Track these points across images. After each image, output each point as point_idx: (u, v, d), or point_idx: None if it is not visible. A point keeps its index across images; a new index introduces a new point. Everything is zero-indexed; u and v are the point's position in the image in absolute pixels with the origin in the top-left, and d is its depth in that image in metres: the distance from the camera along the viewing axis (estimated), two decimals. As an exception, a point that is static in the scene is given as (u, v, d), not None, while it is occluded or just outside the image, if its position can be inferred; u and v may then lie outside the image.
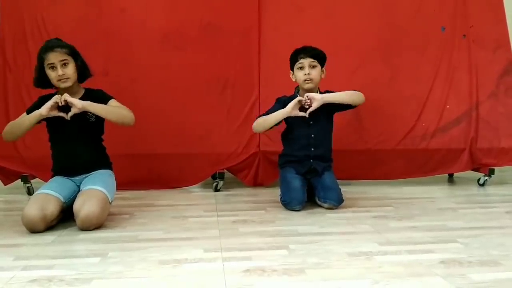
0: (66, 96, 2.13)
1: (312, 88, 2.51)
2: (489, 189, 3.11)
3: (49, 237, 1.98)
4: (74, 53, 2.23)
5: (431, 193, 2.96)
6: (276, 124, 2.52)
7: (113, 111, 2.24)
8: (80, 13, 2.91)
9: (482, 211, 2.49)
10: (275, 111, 2.50)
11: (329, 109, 2.51)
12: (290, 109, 2.42)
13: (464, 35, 3.23)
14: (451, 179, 3.49)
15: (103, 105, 2.23)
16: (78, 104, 2.13)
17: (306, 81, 2.49)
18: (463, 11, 3.22)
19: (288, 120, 2.56)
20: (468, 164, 3.20)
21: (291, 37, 3.04)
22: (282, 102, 2.54)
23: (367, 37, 3.14)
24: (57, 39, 2.27)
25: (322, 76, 2.55)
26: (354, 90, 2.52)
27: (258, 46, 3.07)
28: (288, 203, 2.46)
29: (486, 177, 3.19)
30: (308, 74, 2.47)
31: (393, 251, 1.81)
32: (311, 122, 2.53)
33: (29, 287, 1.46)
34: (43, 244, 1.89)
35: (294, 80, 2.59)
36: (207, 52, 3.02)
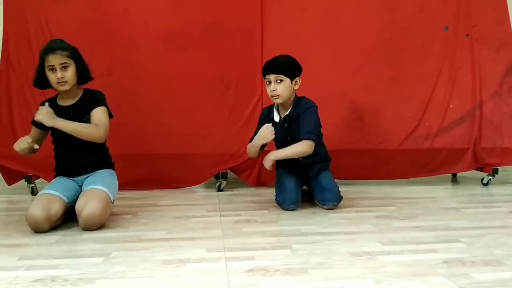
0: (38, 117, 2.14)
1: (281, 102, 2.46)
2: (492, 189, 3.10)
3: (52, 237, 1.99)
4: (75, 56, 2.21)
5: (434, 192, 2.95)
6: (262, 148, 2.53)
7: (80, 132, 2.16)
8: (84, 13, 2.92)
9: (485, 210, 2.49)
10: (258, 128, 2.51)
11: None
12: (258, 137, 2.45)
13: (467, 35, 3.22)
14: (454, 179, 3.48)
15: (71, 126, 2.15)
16: (49, 123, 2.14)
17: (274, 97, 2.43)
18: (466, 10, 3.21)
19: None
20: (472, 163, 3.20)
21: (293, 37, 3.05)
22: (262, 118, 2.57)
23: (369, 37, 3.14)
24: (60, 40, 2.25)
25: (295, 87, 2.46)
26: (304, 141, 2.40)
27: (261, 46, 3.07)
28: (282, 203, 2.46)
29: (490, 177, 3.18)
30: (274, 90, 2.40)
31: (396, 251, 1.80)
32: (288, 138, 2.48)
33: (33, 287, 1.47)
34: (47, 244, 1.89)
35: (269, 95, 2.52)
36: (209, 52, 3.02)
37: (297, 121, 2.45)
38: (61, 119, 2.15)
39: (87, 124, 2.21)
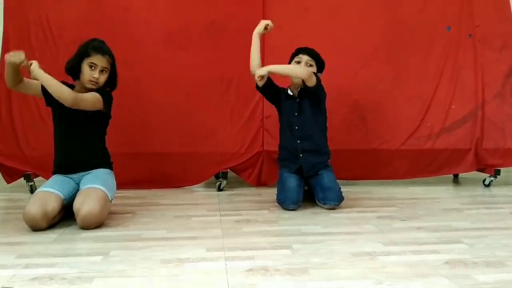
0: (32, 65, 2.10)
1: (298, 82, 2.54)
2: (494, 190, 3.09)
3: (51, 235, 1.98)
4: (114, 65, 2.31)
5: (436, 193, 2.94)
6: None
7: (54, 84, 2.11)
8: (84, 12, 2.91)
9: (487, 211, 2.48)
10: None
11: (312, 101, 2.54)
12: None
13: (470, 35, 3.21)
14: (456, 180, 3.47)
15: (50, 78, 2.11)
16: (33, 71, 2.09)
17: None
18: (468, 10, 3.20)
19: (280, 109, 2.64)
20: (474, 164, 3.19)
21: (295, 36, 3.03)
22: (279, 88, 2.65)
23: (371, 37, 3.13)
24: (104, 42, 2.30)
25: None
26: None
27: (263, 46, 3.05)
28: (283, 202, 2.46)
29: (492, 178, 3.17)
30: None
31: (398, 251, 1.79)
32: (295, 114, 2.56)
33: (31, 285, 1.46)
34: (45, 242, 1.88)
35: None
36: (211, 52, 3.01)
37: (306, 96, 2.55)
38: (43, 74, 2.10)
39: (62, 84, 2.17)
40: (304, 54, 2.56)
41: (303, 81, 2.47)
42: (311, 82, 2.43)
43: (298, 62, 2.55)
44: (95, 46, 2.24)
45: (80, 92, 2.23)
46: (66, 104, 2.13)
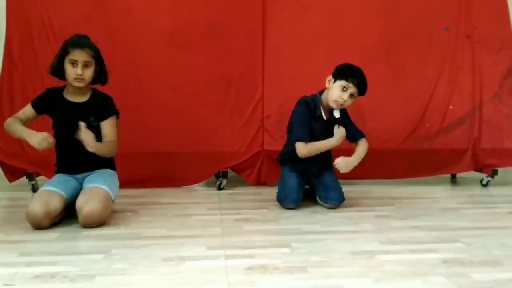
0: (83, 136, 2.13)
1: (336, 108, 2.48)
2: (492, 190, 3.11)
3: (53, 233, 1.99)
4: (98, 58, 2.23)
5: (434, 193, 2.96)
6: None
7: (107, 152, 2.25)
8: (86, 12, 2.92)
9: (485, 211, 2.49)
10: (304, 116, 2.48)
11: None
12: (338, 142, 2.46)
13: (468, 36, 3.22)
14: (454, 180, 3.48)
15: (103, 148, 2.22)
16: (89, 147, 2.14)
17: (338, 102, 2.43)
18: (467, 11, 3.21)
19: (311, 127, 2.50)
20: (471, 164, 3.20)
21: (295, 36, 3.05)
22: (305, 108, 2.49)
23: (370, 37, 3.14)
24: (86, 36, 2.25)
25: None
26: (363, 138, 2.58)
27: (262, 46, 3.07)
28: (283, 201, 2.47)
29: (489, 178, 3.18)
30: (345, 101, 2.42)
31: (396, 250, 1.81)
32: (325, 135, 2.50)
33: (33, 283, 1.47)
34: (47, 240, 1.90)
35: (327, 86, 2.50)
36: (211, 52, 3.02)
37: (337, 122, 2.52)
38: (97, 147, 2.17)
39: (108, 143, 2.25)
40: (353, 86, 2.39)
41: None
42: None
43: (344, 90, 2.40)
44: (73, 42, 2.16)
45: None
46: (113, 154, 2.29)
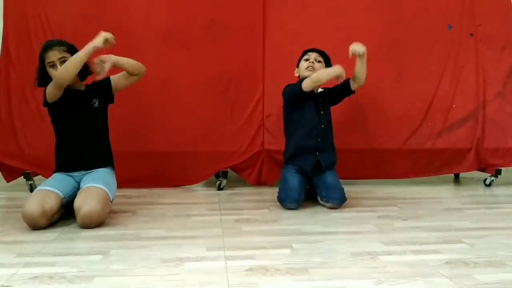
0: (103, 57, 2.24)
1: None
2: (495, 190, 3.08)
3: (51, 234, 1.97)
4: (72, 51, 2.24)
5: (437, 193, 2.93)
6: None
7: (135, 65, 2.39)
8: (84, 10, 2.90)
9: (488, 211, 2.47)
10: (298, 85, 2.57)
11: (331, 100, 2.68)
12: (338, 68, 2.49)
13: (471, 34, 3.20)
14: (457, 180, 3.46)
15: (126, 59, 2.35)
16: (111, 60, 2.27)
17: (308, 68, 2.58)
18: (470, 9, 3.19)
19: (300, 105, 2.58)
20: (474, 164, 3.18)
21: (296, 34, 3.03)
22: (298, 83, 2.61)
23: (372, 35, 3.11)
24: (57, 39, 2.31)
25: None
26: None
27: (263, 44, 3.05)
28: (284, 200, 2.46)
29: (493, 178, 3.16)
30: (312, 63, 2.59)
31: (398, 251, 1.79)
32: (322, 112, 2.58)
33: (31, 284, 1.45)
34: (45, 241, 1.88)
35: (297, 75, 2.69)
36: (211, 50, 3.00)
37: (323, 95, 2.66)
38: (116, 57, 2.31)
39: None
40: (312, 52, 2.63)
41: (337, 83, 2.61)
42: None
43: (307, 60, 2.60)
44: (43, 48, 2.24)
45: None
46: (142, 76, 2.43)
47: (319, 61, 2.61)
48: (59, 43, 2.25)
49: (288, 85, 2.65)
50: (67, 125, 2.28)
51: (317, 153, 2.56)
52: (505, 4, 3.23)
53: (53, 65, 2.21)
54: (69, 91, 2.25)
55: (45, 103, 2.28)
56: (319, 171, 2.56)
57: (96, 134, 2.32)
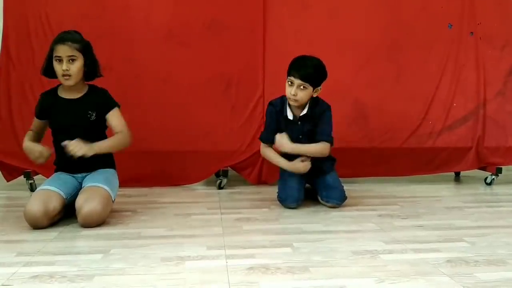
0: (70, 147, 2.04)
1: (296, 106, 2.44)
2: (496, 188, 3.08)
3: (51, 233, 1.97)
4: (85, 50, 2.16)
5: (437, 192, 2.93)
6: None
7: (117, 145, 2.22)
8: (84, 9, 2.89)
9: (489, 210, 2.47)
10: (269, 118, 2.52)
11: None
12: (288, 167, 2.44)
13: (472, 33, 3.19)
14: (457, 178, 3.46)
15: (108, 144, 2.18)
16: (85, 152, 2.05)
17: (291, 100, 2.41)
18: (470, 8, 3.18)
19: (283, 129, 2.48)
20: (475, 162, 3.18)
21: (296, 34, 3.03)
22: (273, 112, 2.50)
23: (372, 35, 3.11)
24: (75, 31, 2.20)
25: (314, 95, 2.45)
26: (324, 142, 2.44)
27: (263, 43, 3.04)
28: (284, 200, 2.45)
29: (493, 176, 3.16)
30: (295, 95, 2.37)
31: (399, 249, 1.78)
32: (300, 137, 2.48)
33: (31, 283, 1.45)
34: (45, 240, 1.87)
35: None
36: (211, 49, 3.00)
37: (313, 121, 2.46)
38: (96, 144, 2.12)
39: (114, 137, 2.22)
40: (295, 77, 2.35)
41: (308, 103, 2.45)
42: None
43: (290, 84, 2.37)
44: (56, 38, 2.12)
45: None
46: (129, 145, 2.25)
47: (303, 88, 2.36)
48: (73, 39, 2.12)
49: (269, 103, 2.54)
50: (59, 137, 2.20)
51: (313, 161, 2.49)
52: (505, 3, 3.22)
53: (60, 60, 2.10)
54: (64, 101, 2.18)
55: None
56: (320, 172, 2.55)
57: (94, 139, 2.19)
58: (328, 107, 2.48)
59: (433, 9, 3.16)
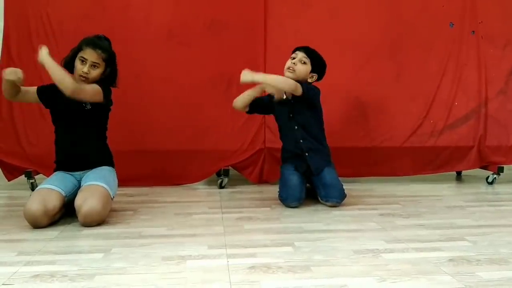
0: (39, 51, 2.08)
1: (292, 78, 2.46)
2: (497, 187, 3.08)
3: (52, 232, 1.97)
4: (110, 61, 2.25)
5: (438, 191, 2.93)
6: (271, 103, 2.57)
7: (61, 76, 2.07)
8: (85, 9, 2.90)
9: (490, 209, 2.46)
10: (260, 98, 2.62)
11: (306, 103, 2.50)
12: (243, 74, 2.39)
13: (473, 31, 3.19)
14: (459, 177, 3.45)
15: (57, 69, 2.08)
16: (41, 56, 2.08)
17: (289, 69, 2.49)
18: (472, 6, 3.18)
19: (275, 114, 2.63)
20: (476, 161, 3.18)
21: (297, 33, 3.02)
22: (267, 96, 2.62)
23: (373, 34, 3.11)
24: (105, 38, 2.28)
25: (309, 80, 2.51)
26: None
27: (264, 43, 3.05)
28: (285, 199, 2.45)
29: (495, 175, 3.15)
30: (294, 64, 2.48)
31: (400, 248, 1.78)
32: (291, 115, 2.53)
33: (32, 282, 1.45)
34: (46, 239, 1.87)
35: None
36: (212, 48, 3.00)
37: (305, 102, 2.50)
38: (51, 59, 2.08)
39: (67, 73, 2.16)
40: (300, 51, 2.51)
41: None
42: (297, 93, 2.39)
43: (294, 58, 2.49)
44: (89, 40, 2.21)
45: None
46: (66, 92, 2.08)
47: (304, 62, 2.48)
48: (104, 47, 2.21)
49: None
50: (59, 128, 2.29)
51: (306, 154, 2.52)
52: (507, 1, 3.21)
53: (84, 62, 2.18)
54: (59, 92, 2.18)
55: (46, 105, 2.30)
56: (312, 173, 2.55)
57: (88, 137, 2.27)
58: (318, 88, 2.54)
59: (434, 8, 3.16)
